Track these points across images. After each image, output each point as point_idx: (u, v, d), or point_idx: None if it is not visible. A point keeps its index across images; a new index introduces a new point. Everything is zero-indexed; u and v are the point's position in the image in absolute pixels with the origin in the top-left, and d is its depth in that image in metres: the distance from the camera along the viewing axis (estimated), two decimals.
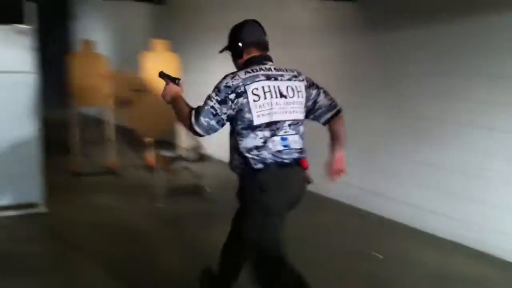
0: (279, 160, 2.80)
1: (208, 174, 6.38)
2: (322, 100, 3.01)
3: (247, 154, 2.79)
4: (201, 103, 2.80)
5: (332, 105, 3.05)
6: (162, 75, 3.06)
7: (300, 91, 2.91)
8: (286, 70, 2.92)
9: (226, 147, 3.00)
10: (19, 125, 5.19)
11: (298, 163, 2.87)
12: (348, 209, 5.86)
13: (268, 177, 2.77)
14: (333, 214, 5.73)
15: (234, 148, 2.87)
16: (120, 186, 6.71)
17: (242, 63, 2.93)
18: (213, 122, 2.77)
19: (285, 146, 2.82)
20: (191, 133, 2.91)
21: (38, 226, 5.10)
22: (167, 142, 7.74)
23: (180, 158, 5.93)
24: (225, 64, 3.28)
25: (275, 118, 2.79)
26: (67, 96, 7.01)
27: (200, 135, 2.87)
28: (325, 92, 3.05)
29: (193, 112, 2.81)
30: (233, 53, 3.01)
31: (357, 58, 5.67)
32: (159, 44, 7.36)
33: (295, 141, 2.87)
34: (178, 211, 5.58)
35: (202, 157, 5.90)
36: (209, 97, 2.77)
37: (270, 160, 2.78)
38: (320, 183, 3.09)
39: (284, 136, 2.83)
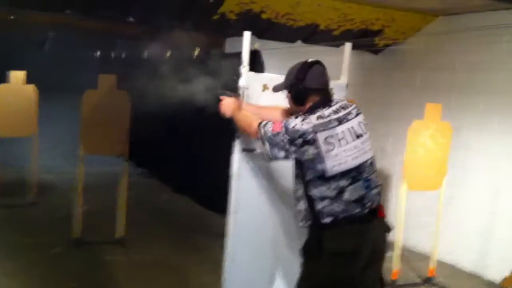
0: (352, 214, 2.54)
1: None
2: None
3: (316, 204, 2.56)
4: (271, 126, 2.62)
5: None
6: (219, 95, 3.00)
7: (365, 124, 2.71)
8: (348, 106, 2.69)
9: None
10: None
11: (375, 213, 2.64)
12: None
13: (336, 239, 2.53)
14: None
15: (301, 194, 2.64)
16: None
17: (304, 110, 2.64)
18: (280, 154, 2.60)
19: (367, 187, 2.60)
20: None
21: None
22: None
23: None
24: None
25: (356, 163, 2.57)
26: None
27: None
28: None
29: (262, 132, 2.65)
30: (295, 98, 2.72)
31: (373, 87, 6.87)
32: (431, 110, 4.80)
33: (375, 177, 2.69)
34: None
35: None
36: (280, 132, 2.57)
37: (342, 215, 2.53)
38: None
39: (368, 178, 2.61)
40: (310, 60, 2.71)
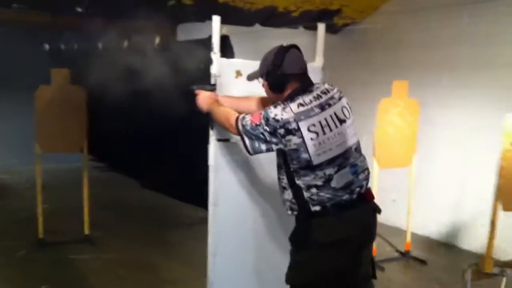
0: (341, 200, 2.42)
1: None
2: None
3: (304, 192, 2.43)
4: (250, 119, 2.43)
5: None
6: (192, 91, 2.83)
7: (349, 107, 2.56)
8: (330, 90, 2.51)
9: None
10: None
11: (364, 198, 2.52)
12: None
13: (326, 227, 2.41)
14: None
15: (286, 183, 2.48)
16: None
17: (283, 98, 2.47)
18: (262, 147, 2.43)
19: (354, 173, 2.47)
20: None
21: None
22: None
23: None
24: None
25: (341, 149, 2.43)
26: None
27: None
28: None
29: (240, 126, 2.45)
30: (272, 85, 2.52)
31: (334, 67, 6.51)
32: (398, 87, 4.77)
33: (362, 162, 2.55)
34: None
35: None
36: (259, 124, 2.39)
37: (329, 203, 2.41)
38: None
39: (354, 163, 2.48)
40: (285, 44, 2.49)
